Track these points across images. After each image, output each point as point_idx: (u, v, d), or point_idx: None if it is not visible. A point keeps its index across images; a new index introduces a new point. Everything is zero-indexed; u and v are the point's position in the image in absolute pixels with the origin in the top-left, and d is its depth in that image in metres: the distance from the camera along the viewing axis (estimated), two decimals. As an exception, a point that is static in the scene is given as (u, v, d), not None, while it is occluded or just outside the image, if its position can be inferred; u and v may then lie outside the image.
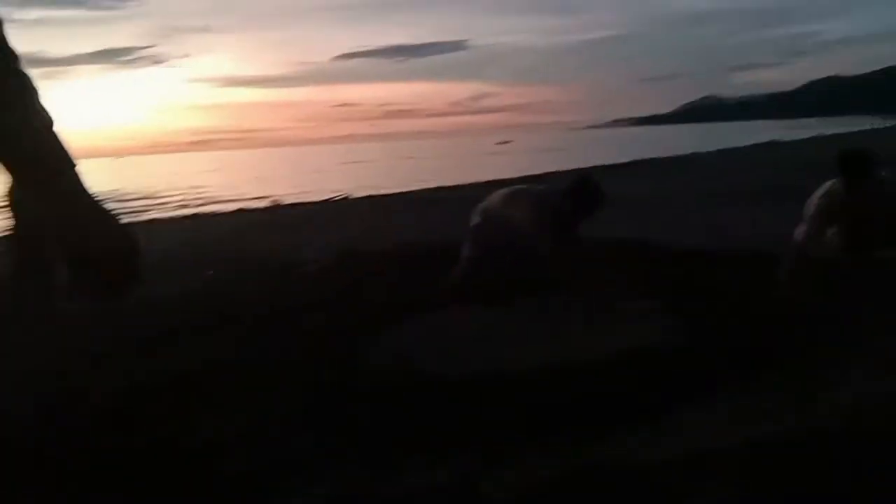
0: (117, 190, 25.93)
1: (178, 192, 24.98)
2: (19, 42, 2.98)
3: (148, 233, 8.03)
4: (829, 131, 39.82)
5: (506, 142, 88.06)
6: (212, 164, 67.01)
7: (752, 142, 31.71)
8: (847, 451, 1.81)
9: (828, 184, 4.02)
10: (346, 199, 15.41)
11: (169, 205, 19.70)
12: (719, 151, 26.19)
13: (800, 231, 4.02)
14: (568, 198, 4.33)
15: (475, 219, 4.50)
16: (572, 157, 31.28)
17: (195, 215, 14.09)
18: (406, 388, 2.76)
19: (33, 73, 3.02)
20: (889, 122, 54.07)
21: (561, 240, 4.27)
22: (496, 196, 4.51)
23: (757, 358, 2.85)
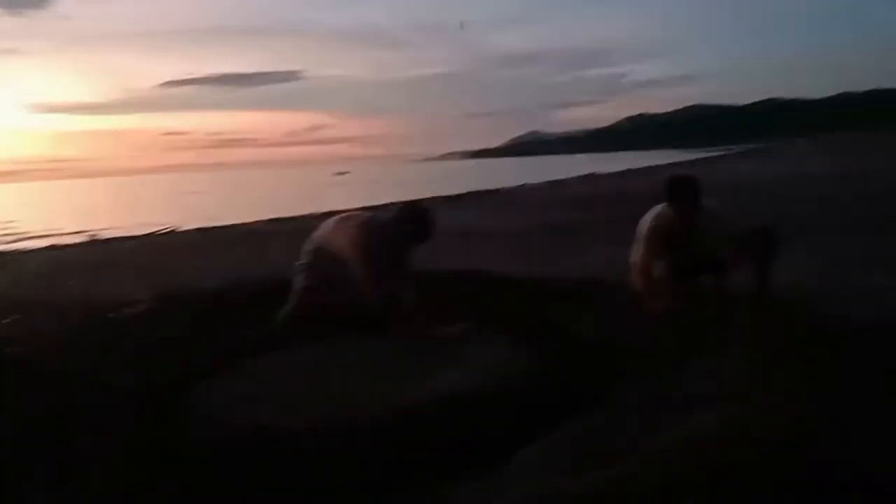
0: None
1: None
2: None
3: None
4: (638, 165, 43.27)
5: (343, 172, 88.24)
6: (24, 197, 60.92)
7: (574, 174, 33.80)
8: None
9: (658, 207, 4.21)
10: (172, 231, 14.53)
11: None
12: (549, 183, 27.68)
13: (635, 252, 4.22)
14: (398, 225, 4.26)
15: (306, 248, 4.36)
16: (410, 188, 31.70)
17: (-2, 253, 12.69)
18: (236, 444, 2.55)
19: None
20: (692, 156, 59.85)
21: (392, 269, 4.19)
22: (327, 224, 4.39)
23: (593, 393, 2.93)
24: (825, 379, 2.62)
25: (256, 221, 15.67)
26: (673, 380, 2.93)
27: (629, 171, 36.17)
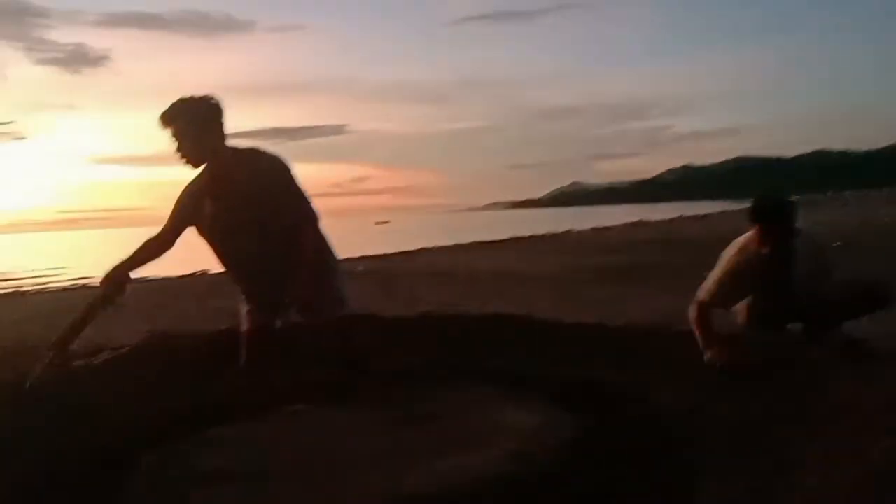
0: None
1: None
2: None
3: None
4: (688, 213, 41.94)
5: (384, 222, 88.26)
6: (78, 242, 61.98)
7: (620, 222, 32.72)
8: None
9: (740, 239, 3.33)
10: (204, 273, 14.06)
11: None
12: (593, 229, 26.72)
13: (704, 289, 3.31)
14: None
15: None
16: (449, 235, 31.00)
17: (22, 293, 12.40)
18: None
19: None
20: (740, 206, 58.12)
21: None
22: None
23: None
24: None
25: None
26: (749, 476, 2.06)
27: (679, 217, 35.00)
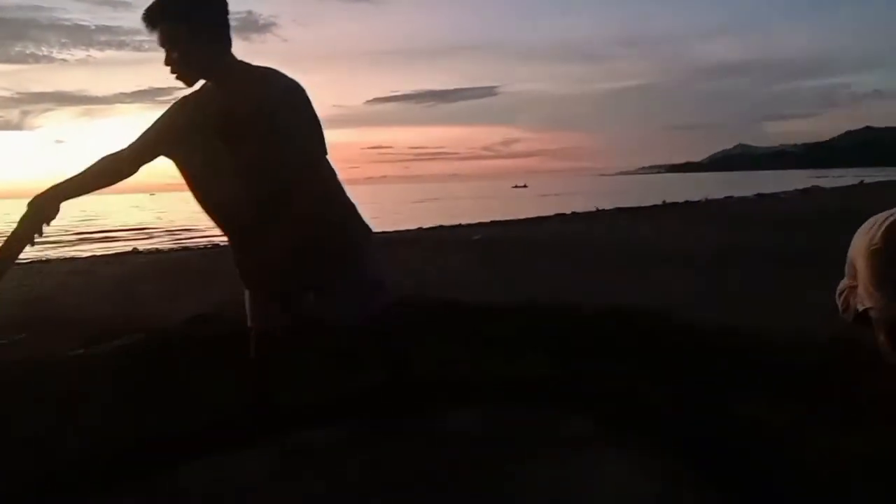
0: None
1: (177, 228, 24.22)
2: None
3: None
4: (871, 179, 37.36)
5: (521, 186, 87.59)
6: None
7: (790, 188, 29.20)
8: None
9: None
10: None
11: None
12: (757, 196, 23.91)
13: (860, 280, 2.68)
14: None
15: None
16: (588, 200, 29.18)
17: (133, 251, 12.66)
18: None
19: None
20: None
21: None
22: None
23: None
24: None
25: (416, 229, 14.64)
26: None
27: (860, 184, 30.98)
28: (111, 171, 2.07)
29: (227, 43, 2.08)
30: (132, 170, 2.08)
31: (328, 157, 2.13)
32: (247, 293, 2.27)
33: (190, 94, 2.12)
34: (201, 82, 2.09)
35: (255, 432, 2.18)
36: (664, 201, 22.22)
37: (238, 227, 2.11)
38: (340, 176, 2.20)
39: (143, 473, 1.94)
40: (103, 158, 2.08)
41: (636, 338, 3.22)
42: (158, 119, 2.11)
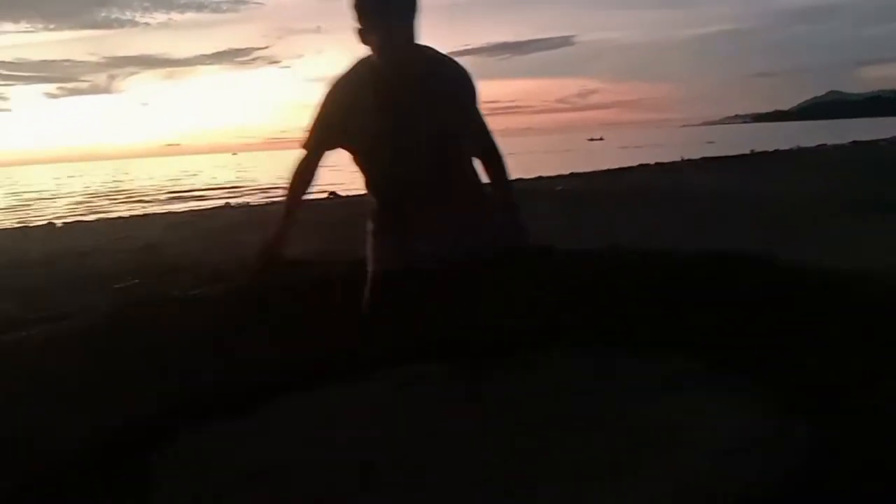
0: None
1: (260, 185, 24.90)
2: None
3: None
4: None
5: (598, 139, 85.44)
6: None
7: (888, 136, 27.46)
8: None
9: None
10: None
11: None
12: (853, 143, 22.63)
13: None
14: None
15: None
16: (665, 151, 28.28)
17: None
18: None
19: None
20: None
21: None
22: None
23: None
24: None
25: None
26: None
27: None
28: (304, 184, 2.31)
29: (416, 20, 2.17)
30: (315, 171, 2.31)
31: None
32: (371, 239, 2.37)
33: (349, 74, 2.16)
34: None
35: (366, 367, 2.29)
36: (752, 150, 21.34)
37: (416, 204, 2.26)
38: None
39: (265, 398, 2.07)
40: (294, 180, 2.29)
41: (728, 278, 3.19)
42: (320, 113, 2.21)
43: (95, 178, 50.63)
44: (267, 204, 13.17)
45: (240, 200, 16.80)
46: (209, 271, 4.10)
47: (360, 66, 2.14)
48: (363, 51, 2.13)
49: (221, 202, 15.95)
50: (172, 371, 2.25)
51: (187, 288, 3.73)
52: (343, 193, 12.72)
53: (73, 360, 2.30)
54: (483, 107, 2.34)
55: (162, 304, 3.18)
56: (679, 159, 18.26)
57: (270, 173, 40.90)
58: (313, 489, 1.51)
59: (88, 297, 3.91)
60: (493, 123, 2.48)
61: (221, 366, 2.27)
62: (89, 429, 1.82)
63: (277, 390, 2.08)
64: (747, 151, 20.91)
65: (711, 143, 41.93)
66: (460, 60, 2.26)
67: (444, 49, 2.26)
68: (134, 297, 3.73)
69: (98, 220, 10.77)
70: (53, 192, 29.72)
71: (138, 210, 13.22)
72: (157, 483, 1.57)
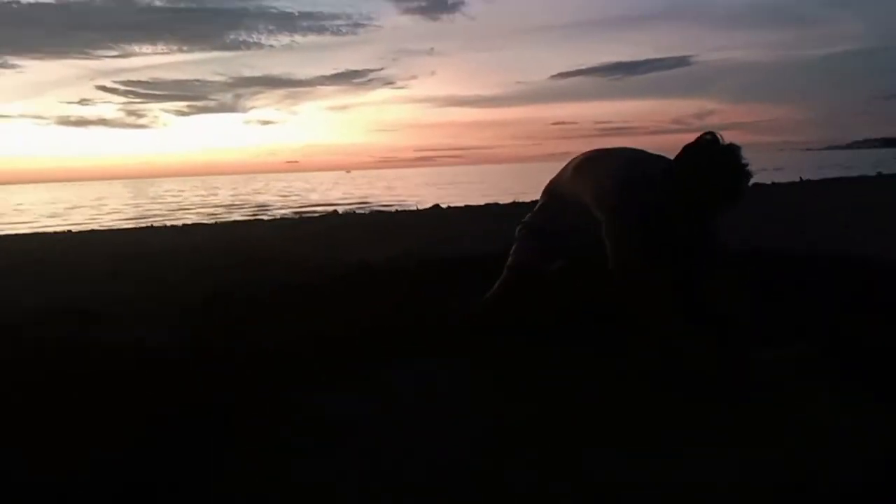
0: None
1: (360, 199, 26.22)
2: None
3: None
4: None
5: None
6: (429, 178, 68.44)
7: None
8: None
9: None
10: (496, 203, 13.98)
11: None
12: None
13: None
14: (674, 169, 2.30)
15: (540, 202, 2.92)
16: (797, 174, 26.79)
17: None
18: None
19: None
20: None
21: (652, 241, 2.37)
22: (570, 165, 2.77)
23: None
24: None
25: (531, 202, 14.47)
26: None
27: None
28: None
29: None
30: None
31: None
32: (517, 243, 2.81)
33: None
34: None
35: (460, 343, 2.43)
36: (879, 172, 19.95)
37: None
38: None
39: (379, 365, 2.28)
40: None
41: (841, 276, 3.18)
42: None
43: (220, 189, 53.83)
44: (372, 213, 13.67)
45: (347, 209, 17.69)
46: (311, 266, 4.38)
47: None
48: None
49: (331, 209, 17.15)
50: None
51: (295, 279, 4.00)
52: (444, 206, 13.15)
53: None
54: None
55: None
56: (798, 179, 17.36)
57: (378, 187, 42.71)
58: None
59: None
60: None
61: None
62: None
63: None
64: (873, 174, 19.59)
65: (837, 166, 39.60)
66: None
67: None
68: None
69: (215, 224, 11.49)
70: (179, 202, 31.80)
71: (251, 218, 14.15)
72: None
